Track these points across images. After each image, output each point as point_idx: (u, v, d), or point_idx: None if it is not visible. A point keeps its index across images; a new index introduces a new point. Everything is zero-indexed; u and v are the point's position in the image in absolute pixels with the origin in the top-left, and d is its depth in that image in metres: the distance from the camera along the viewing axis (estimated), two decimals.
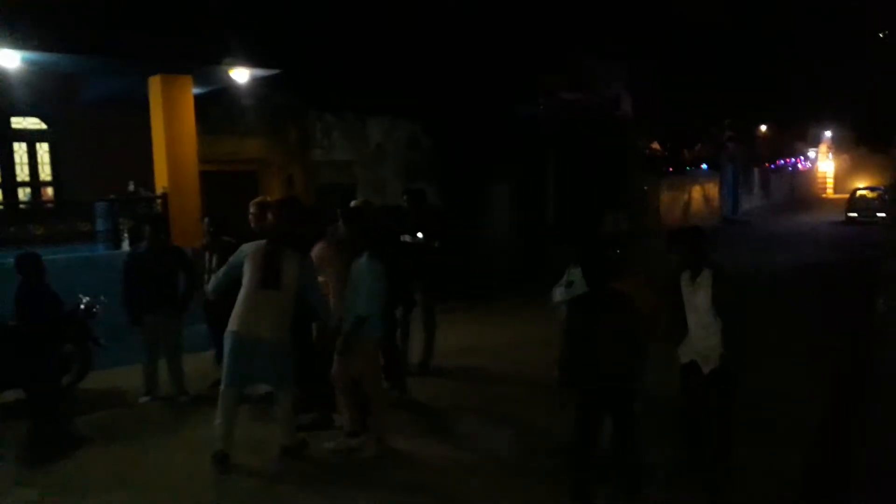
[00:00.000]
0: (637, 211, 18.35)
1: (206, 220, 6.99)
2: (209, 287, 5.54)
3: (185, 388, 6.55)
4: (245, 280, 4.98)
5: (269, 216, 5.89)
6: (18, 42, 7.41)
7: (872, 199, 27.68)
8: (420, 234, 7.05)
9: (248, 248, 5.11)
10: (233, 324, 4.95)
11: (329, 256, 5.46)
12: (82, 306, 6.56)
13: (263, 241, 5.09)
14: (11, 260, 5.77)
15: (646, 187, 20.29)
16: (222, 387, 5.00)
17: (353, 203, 6.22)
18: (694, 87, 18.95)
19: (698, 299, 4.28)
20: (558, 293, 5.21)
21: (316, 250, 5.45)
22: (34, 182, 10.47)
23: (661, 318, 4.51)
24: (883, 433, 3.16)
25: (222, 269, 5.27)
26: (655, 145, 23.02)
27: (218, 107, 10.31)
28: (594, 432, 4.13)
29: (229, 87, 9.81)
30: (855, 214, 27.20)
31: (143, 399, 6.48)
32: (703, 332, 4.28)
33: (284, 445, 5.13)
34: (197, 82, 9.30)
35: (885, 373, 2.95)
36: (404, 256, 6.76)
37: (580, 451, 4.17)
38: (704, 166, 27.41)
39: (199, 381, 6.77)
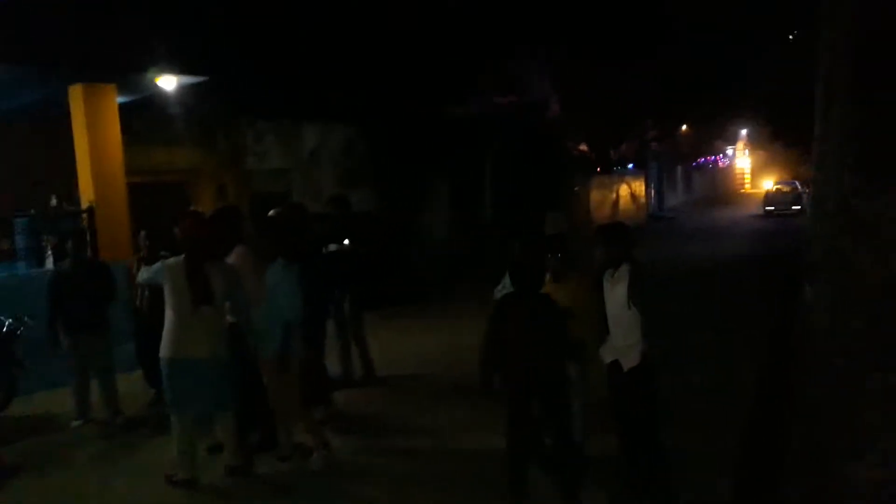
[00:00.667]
0: (571, 211, 18.71)
1: (143, 233, 6.78)
2: (141, 278, 5.28)
3: (119, 409, 6.32)
4: (172, 302, 4.73)
5: (178, 230, 5.26)
6: None
7: (787, 193, 29.22)
8: (346, 242, 6.84)
9: (161, 269, 4.81)
10: (166, 349, 4.73)
11: (245, 266, 5.09)
12: (4, 329, 6.25)
13: (181, 258, 4.82)
14: None
15: (577, 187, 20.72)
16: (173, 416, 4.80)
17: (271, 212, 5.79)
18: (617, 88, 19.46)
19: (616, 296, 4.23)
20: (500, 294, 5.23)
21: (232, 258, 5.13)
22: None
23: (592, 318, 4.43)
24: (812, 420, 3.30)
25: (149, 271, 5.04)
26: (583, 146, 23.56)
27: (145, 116, 9.99)
28: (525, 432, 4.13)
29: (156, 96, 9.51)
30: (772, 208, 28.68)
31: (76, 423, 6.20)
32: (620, 330, 4.23)
33: (230, 465, 5.00)
34: (121, 91, 8.97)
35: (812, 362, 3.10)
36: (331, 265, 6.56)
37: (514, 450, 4.14)
38: (630, 166, 28.25)
39: (132, 402, 6.54)
